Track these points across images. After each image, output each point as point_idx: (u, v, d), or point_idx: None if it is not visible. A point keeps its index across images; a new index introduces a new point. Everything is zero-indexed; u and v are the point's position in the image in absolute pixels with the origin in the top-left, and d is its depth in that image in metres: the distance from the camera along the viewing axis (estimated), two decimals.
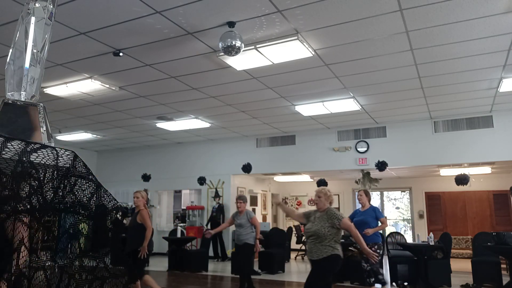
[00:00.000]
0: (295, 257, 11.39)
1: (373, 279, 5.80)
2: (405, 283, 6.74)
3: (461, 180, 9.14)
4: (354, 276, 6.96)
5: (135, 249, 5.24)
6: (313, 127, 9.54)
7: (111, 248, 1.49)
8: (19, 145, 1.38)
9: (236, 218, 6.36)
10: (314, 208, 4.40)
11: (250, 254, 6.27)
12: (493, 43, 4.97)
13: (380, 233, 5.96)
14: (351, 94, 7.02)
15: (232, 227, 10.62)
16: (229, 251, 10.13)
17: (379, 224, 5.87)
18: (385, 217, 6.01)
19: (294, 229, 11.77)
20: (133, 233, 5.37)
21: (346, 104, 7.51)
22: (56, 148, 1.44)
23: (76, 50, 5.13)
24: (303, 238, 11.60)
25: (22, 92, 1.83)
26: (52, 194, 1.42)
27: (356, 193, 13.22)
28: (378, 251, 5.68)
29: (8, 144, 1.37)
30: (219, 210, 10.51)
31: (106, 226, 1.50)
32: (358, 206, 6.32)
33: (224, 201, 10.72)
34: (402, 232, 12.33)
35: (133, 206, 11.39)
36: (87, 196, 1.46)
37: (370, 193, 6.26)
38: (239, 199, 6.34)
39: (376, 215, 5.90)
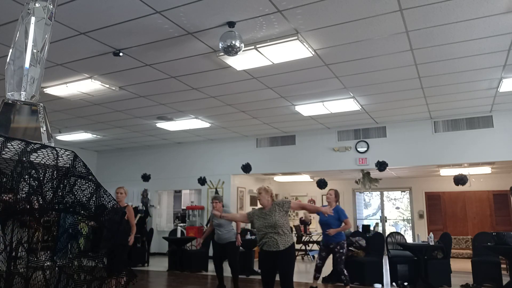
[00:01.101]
0: None
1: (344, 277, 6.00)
2: (405, 283, 6.73)
3: (460, 180, 9.14)
4: (354, 276, 6.96)
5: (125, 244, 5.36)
6: (313, 127, 9.54)
7: (110, 248, 1.49)
8: (19, 145, 1.38)
9: (214, 219, 6.43)
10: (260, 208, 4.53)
11: (237, 251, 6.45)
12: (493, 43, 4.97)
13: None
14: (351, 94, 7.02)
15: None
16: None
17: (343, 225, 5.99)
18: (348, 218, 6.13)
19: (294, 229, 11.77)
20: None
21: (346, 104, 7.51)
22: (56, 148, 1.44)
23: (76, 50, 5.13)
24: (304, 238, 11.60)
25: (22, 92, 1.83)
26: (51, 194, 1.42)
27: (357, 193, 13.31)
28: (341, 250, 5.92)
29: (8, 144, 1.37)
30: None
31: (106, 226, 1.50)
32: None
33: (224, 201, 10.70)
34: (402, 232, 12.34)
35: (133, 206, 11.40)
36: (87, 196, 1.46)
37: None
38: (214, 199, 6.37)
39: (339, 216, 5.98)
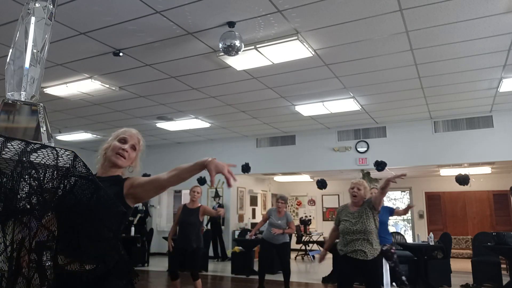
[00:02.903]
0: (295, 257, 11.38)
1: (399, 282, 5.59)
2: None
3: (462, 180, 9.13)
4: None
5: (197, 247, 5.25)
6: (313, 127, 9.54)
7: (111, 248, 1.49)
8: (19, 145, 1.38)
9: (274, 217, 6.18)
10: (350, 208, 4.01)
11: (289, 252, 6.26)
12: (493, 43, 4.97)
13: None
14: (351, 94, 7.02)
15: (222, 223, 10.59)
16: (229, 251, 10.14)
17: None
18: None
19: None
20: (195, 231, 5.30)
21: (346, 104, 7.51)
22: (56, 148, 1.44)
23: (76, 50, 5.13)
24: (304, 238, 11.60)
25: (22, 92, 1.83)
26: (52, 194, 1.42)
27: None
28: (392, 251, 5.54)
29: (8, 144, 1.37)
30: None
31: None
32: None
33: (224, 201, 10.71)
34: (402, 232, 12.33)
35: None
36: (87, 196, 1.46)
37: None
38: (280, 199, 6.21)
39: (390, 212, 5.75)
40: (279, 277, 8.02)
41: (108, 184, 1.71)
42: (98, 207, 1.48)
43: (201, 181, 11.06)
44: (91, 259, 1.48)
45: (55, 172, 1.42)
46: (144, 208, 11.36)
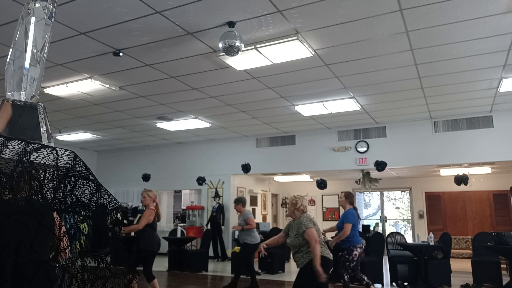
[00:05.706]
0: None
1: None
2: (405, 283, 6.73)
3: (461, 180, 9.13)
4: (351, 276, 6.95)
5: (142, 249, 5.45)
6: (313, 127, 9.54)
7: (112, 248, 1.49)
8: (19, 145, 1.38)
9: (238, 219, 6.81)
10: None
11: (247, 253, 6.66)
12: (493, 43, 4.97)
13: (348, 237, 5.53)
14: (351, 94, 7.02)
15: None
16: (229, 251, 10.13)
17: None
18: (349, 224, 5.47)
19: None
20: (141, 233, 5.55)
21: (346, 104, 7.51)
22: (56, 148, 1.44)
23: (76, 50, 5.13)
24: None
25: (22, 92, 1.83)
26: (52, 194, 1.42)
27: (357, 193, 13.31)
28: (346, 256, 5.52)
29: (8, 144, 1.37)
30: (219, 210, 10.51)
31: (107, 226, 1.50)
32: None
33: (224, 201, 10.71)
34: (402, 232, 12.33)
35: (133, 206, 11.40)
36: (88, 196, 1.46)
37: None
38: (235, 202, 6.79)
39: (342, 219, 5.57)
40: (279, 277, 8.03)
41: None
42: (98, 206, 1.48)
43: (200, 181, 11.06)
44: None
45: (55, 172, 1.42)
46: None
